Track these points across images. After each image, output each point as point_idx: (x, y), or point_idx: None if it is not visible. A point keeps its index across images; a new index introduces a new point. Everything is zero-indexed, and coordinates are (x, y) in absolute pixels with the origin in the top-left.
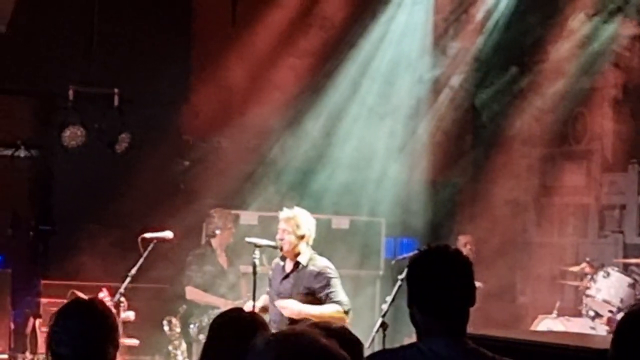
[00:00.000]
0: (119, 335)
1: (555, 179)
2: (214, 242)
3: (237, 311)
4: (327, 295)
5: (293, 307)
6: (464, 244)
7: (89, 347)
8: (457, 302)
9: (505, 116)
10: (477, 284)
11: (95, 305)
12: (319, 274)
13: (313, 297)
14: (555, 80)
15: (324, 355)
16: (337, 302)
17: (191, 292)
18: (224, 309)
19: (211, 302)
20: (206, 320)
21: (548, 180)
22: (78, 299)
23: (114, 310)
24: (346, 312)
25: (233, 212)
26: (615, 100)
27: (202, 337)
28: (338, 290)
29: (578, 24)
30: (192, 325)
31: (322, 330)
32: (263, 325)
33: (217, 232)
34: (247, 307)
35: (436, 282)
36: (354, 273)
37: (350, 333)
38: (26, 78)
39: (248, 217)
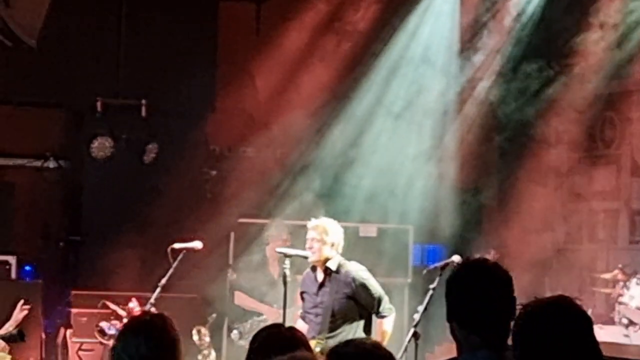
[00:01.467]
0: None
1: (584, 184)
2: (267, 250)
3: (277, 327)
4: (377, 308)
5: None
6: (492, 258)
7: None
8: (498, 316)
9: (533, 122)
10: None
11: (156, 325)
12: (355, 280)
13: (354, 301)
14: (584, 84)
15: None
16: (388, 310)
17: (239, 297)
18: (267, 316)
19: (257, 308)
20: (248, 327)
21: (577, 185)
22: (140, 316)
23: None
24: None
25: (259, 221)
26: None
27: (243, 343)
28: (378, 294)
29: (610, 23)
30: (235, 331)
31: (357, 348)
32: (302, 342)
33: (270, 240)
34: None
35: (476, 296)
36: (382, 281)
37: (382, 348)
38: (55, 91)
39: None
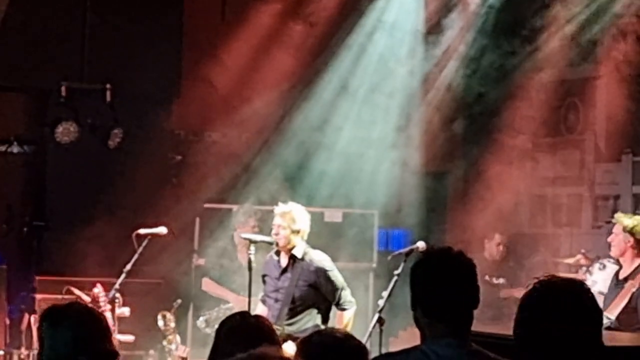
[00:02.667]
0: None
1: (548, 169)
2: (235, 236)
3: (244, 316)
4: (336, 297)
5: None
6: (497, 244)
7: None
8: (461, 305)
9: (498, 107)
10: (501, 280)
11: (71, 314)
12: (318, 270)
13: (315, 289)
14: (548, 69)
15: None
16: (350, 304)
17: (206, 284)
18: (234, 304)
19: (224, 295)
20: (215, 314)
21: (541, 170)
22: (56, 305)
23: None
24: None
25: (225, 206)
26: (608, 90)
27: (209, 331)
28: (342, 285)
29: (575, 8)
30: (201, 318)
31: (328, 337)
32: (269, 331)
33: (238, 227)
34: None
35: (440, 285)
36: (347, 266)
37: (353, 338)
38: (19, 74)
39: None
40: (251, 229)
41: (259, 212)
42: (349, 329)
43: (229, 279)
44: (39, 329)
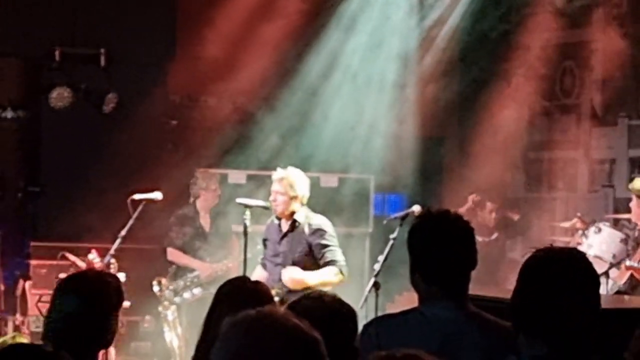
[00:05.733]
0: (116, 320)
1: (544, 134)
2: (198, 203)
3: (242, 280)
4: (323, 254)
5: (294, 276)
6: (489, 211)
7: (72, 326)
8: (459, 267)
9: (494, 71)
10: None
11: (93, 286)
12: (317, 231)
13: (311, 256)
14: (543, 33)
15: (293, 336)
16: (333, 262)
17: (171, 254)
18: (200, 272)
19: (189, 264)
20: (182, 284)
21: (537, 134)
22: (77, 274)
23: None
24: (342, 272)
25: (220, 171)
26: (604, 54)
27: (178, 299)
28: (334, 248)
29: None
30: (168, 289)
31: (315, 301)
32: (267, 295)
33: (201, 193)
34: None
35: (438, 247)
36: (343, 231)
37: (342, 303)
38: (12, 40)
39: (236, 176)
40: (213, 193)
41: (218, 175)
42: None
43: (192, 247)
44: (54, 296)
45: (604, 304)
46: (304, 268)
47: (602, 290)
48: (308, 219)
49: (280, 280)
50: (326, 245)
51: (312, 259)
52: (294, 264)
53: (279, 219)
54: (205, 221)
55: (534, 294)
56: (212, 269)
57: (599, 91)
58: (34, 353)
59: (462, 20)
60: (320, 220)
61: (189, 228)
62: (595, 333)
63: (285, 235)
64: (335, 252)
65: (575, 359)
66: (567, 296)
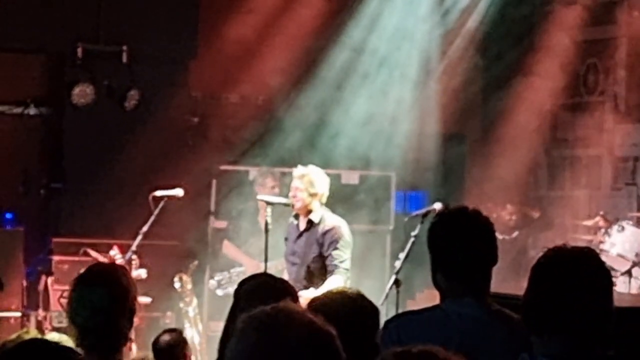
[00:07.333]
0: (134, 311)
1: (567, 131)
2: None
3: (266, 276)
4: (330, 254)
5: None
6: (509, 213)
7: (102, 320)
8: (479, 263)
9: (517, 68)
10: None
11: (115, 277)
12: (330, 230)
13: (322, 260)
14: (568, 30)
15: (308, 331)
16: (336, 265)
17: (226, 247)
18: (246, 267)
19: (239, 258)
20: (228, 276)
21: (560, 132)
22: (98, 266)
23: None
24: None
25: (241, 168)
26: (628, 51)
27: (220, 292)
28: (342, 250)
29: None
30: (212, 279)
31: (338, 296)
32: (290, 292)
33: (258, 190)
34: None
35: (458, 244)
36: (364, 228)
37: (364, 299)
38: (35, 36)
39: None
40: (270, 190)
41: (277, 172)
42: None
43: (246, 242)
44: (71, 291)
45: (624, 303)
46: (320, 269)
47: (625, 288)
48: (324, 219)
49: (295, 279)
50: (335, 247)
51: (323, 262)
52: (308, 267)
53: (297, 217)
54: (263, 219)
55: (545, 293)
56: (259, 267)
57: (622, 88)
58: (51, 350)
59: (485, 17)
60: (335, 221)
61: (246, 224)
62: (609, 332)
63: (301, 234)
64: (341, 254)
65: (587, 358)
66: (578, 295)
